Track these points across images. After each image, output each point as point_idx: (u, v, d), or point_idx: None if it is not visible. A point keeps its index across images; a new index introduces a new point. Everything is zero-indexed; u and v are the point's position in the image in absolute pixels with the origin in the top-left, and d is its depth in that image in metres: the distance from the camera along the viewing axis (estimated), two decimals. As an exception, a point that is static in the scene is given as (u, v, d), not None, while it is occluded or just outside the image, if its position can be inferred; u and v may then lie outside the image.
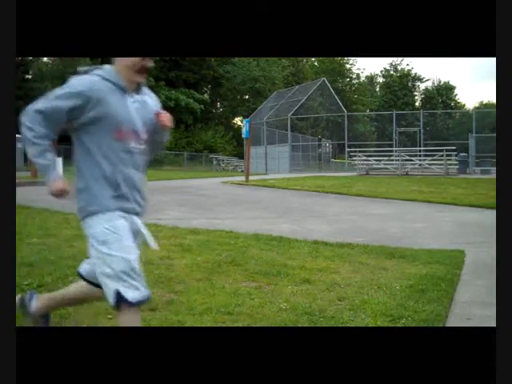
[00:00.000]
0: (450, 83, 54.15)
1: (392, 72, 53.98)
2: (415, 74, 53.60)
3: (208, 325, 2.86)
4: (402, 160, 20.56)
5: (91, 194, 2.27)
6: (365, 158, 21.52)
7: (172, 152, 36.17)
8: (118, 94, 2.25)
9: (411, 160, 21.02)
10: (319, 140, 35.07)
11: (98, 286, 2.34)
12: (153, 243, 2.36)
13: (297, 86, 35.24)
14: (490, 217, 7.14)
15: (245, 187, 14.40)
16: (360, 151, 21.82)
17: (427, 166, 20.24)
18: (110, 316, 2.98)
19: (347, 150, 26.05)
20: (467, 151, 21.30)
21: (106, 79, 2.25)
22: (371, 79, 56.06)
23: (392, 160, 21.49)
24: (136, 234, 2.32)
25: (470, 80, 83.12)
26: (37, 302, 2.67)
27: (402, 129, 31.08)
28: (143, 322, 2.88)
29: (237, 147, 38.85)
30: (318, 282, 3.96)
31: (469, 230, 6.95)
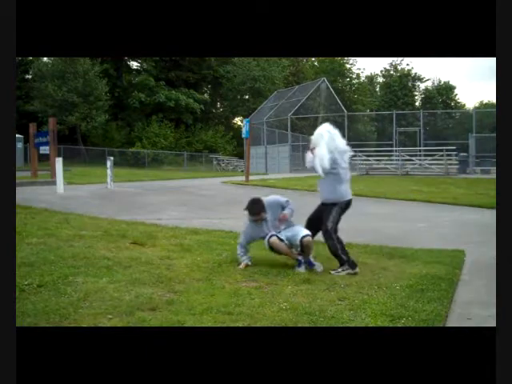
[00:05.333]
0: (450, 83, 54.09)
1: (392, 72, 53.92)
2: (415, 73, 53.53)
3: (208, 325, 2.85)
4: (402, 160, 20.56)
5: None
6: (365, 157, 21.50)
7: (172, 152, 36.16)
8: None
9: (411, 160, 20.99)
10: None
11: None
12: None
13: (297, 86, 35.21)
14: (490, 217, 7.14)
15: (245, 187, 14.39)
16: (360, 151, 21.80)
17: (427, 165, 20.21)
18: (110, 316, 2.98)
19: (347, 149, 25.99)
20: (467, 151, 21.27)
21: None
22: (371, 79, 55.94)
23: (392, 160, 21.48)
24: None
25: (470, 80, 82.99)
26: None
27: (402, 129, 31.02)
28: (143, 322, 2.88)
29: (237, 147, 38.81)
30: (318, 282, 3.96)
31: (469, 230, 6.95)
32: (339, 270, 4.37)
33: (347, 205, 4.67)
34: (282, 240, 4.53)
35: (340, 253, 4.46)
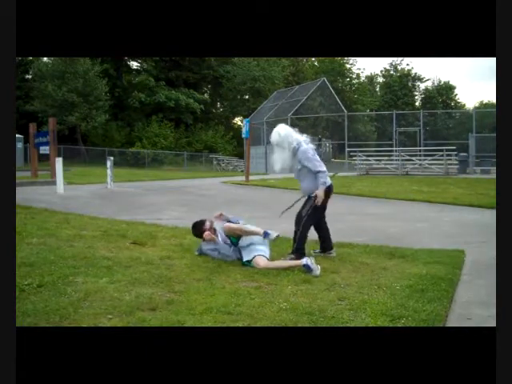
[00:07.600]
0: (450, 83, 54.09)
1: (392, 72, 53.91)
2: (415, 73, 53.55)
3: (208, 325, 2.85)
4: (402, 160, 20.56)
5: None
6: (365, 157, 21.50)
7: (172, 152, 36.16)
8: None
9: (411, 160, 20.98)
10: (319, 140, 35.06)
11: None
12: None
13: (297, 86, 35.22)
14: (490, 217, 7.14)
15: (245, 187, 14.40)
16: (360, 151, 21.79)
17: (427, 165, 20.20)
18: (110, 316, 2.98)
19: (347, 149, 26.00)
20: (467, 151, 21.26)
21: None
22: (371, 79, 55.91)
23: (392, 160, 21.49)
24: None
25: (470, 80, 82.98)
26: None
27: (402, 129, 31.03)
28: (143, 322, 2.88)
29: (237, 147, 38.81)
30: (318, 282, 3.96)
31: (469, 230, 6.95)
32: (292, 256, 4.57)
33: (329, 190, 4.82)
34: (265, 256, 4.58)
35: (300, 242, 4.66)
